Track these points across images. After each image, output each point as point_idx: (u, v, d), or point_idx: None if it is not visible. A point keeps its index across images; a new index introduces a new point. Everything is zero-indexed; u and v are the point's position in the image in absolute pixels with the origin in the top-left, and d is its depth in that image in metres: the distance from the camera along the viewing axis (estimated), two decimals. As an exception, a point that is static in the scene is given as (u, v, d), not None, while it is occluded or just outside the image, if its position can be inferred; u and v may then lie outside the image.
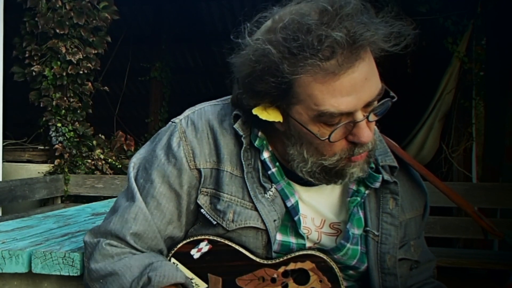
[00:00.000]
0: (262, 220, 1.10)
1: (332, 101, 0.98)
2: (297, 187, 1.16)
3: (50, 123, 4.85)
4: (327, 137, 1.02)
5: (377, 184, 1.16)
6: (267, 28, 1.03)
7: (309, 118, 1.02)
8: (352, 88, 0.97)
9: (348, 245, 1.14)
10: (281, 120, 1.07)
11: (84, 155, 4.93)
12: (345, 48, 0.95)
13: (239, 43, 1.06)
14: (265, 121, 1.08)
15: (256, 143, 1.14)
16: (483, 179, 4.79)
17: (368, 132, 1.02)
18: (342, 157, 1.05)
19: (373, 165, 1.17)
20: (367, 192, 1.18)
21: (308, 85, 0.99)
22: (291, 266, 1.12)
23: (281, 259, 1.12)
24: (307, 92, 1.00)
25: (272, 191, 1.13)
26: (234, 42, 1.07)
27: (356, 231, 1.16)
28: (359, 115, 1.01)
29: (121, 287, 1.07)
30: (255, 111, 1.07)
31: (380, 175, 1.17)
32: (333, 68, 0.95)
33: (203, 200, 1.14)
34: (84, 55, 4.79)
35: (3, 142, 4.62)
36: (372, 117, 1.04)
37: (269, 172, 1.14)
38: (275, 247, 1.12)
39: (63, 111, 4.81)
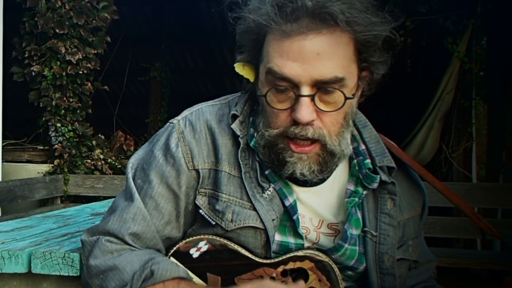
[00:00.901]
0: (261, 220, 1.10)
1: (278, 61, 1.02)
2: (295, 187, 1.16)
3: (49, 123, 4.84)
4: (264, 93, 1.06)
5: (375, 185, 1.16)
6: None
7: (264, 78, 1.07)
8: (299, 55, 1.00)
9: (346, 245, 1.13)
10: (251, 79, 1.12)
11: (83, 155, 4.93)
12: (306, 16, 0.99)
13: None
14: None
15: (252, 143, 1.14)
16: (486, 180, 4.78)
17: (307, 111, 1.02)
18: (282, 133, 1.06)
19: (370, 166, 1.17)
20: (365, 192, 1.17)
21: (269, 42, 1.05)
22: (290, 265, 1.12)
23: (280, 259, 1.12)
24: (266, 49, 1.06)
25: (270, 190, 1.13)
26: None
27: (354, 231, 1.15)
28: (304, 90, 1.02)
29: (121, 280, 1.07)
30: (236, 65, 1.13)
31: (378, 176, 1.16)
32: (288, 29, 1.00)
33: (201, 200, 1.14)
34: (84, 55, 4.78)
35: (2, 142, 4.62)
36: (319, 102, 1.03)
37: (267, 172, 1.14)
38: (273, 247, 1.12)
39: (63, 111, 4.80)
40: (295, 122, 1.04)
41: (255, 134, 1.14)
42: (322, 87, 1.02)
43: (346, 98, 1.04)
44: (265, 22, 1.03)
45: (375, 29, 1.04)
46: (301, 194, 1.16)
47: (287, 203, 1.13)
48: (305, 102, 1.02)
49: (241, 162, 1.13)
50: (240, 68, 1.14)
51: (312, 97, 1.02)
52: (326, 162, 1.09)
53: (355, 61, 1.06)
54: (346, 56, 1.03)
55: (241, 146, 1.13)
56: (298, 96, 1.02)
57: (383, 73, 1.13)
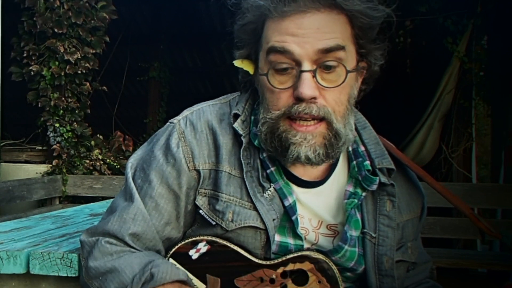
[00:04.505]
0: (262, 220, 1.10)
1: (278, 38, 1.04)
2: (295, 188, 1.16)
3: (48, 123, 4.83)
4: (265, 72, 1.06)
5: (374, 187, 1.16)
6: None
7: (264, 62, 1.08)
8: (299, 31, 1.02)
9: (346, 247, 1.13)
10: (251, 72, 1.14)
11: (82, 155, 4.92)
12: None
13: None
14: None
15: (256, 142, 1.13)
16: (490, 180, 4.76)
17: (309, 86, 1.02)
18: (284, 113, 1.05)
19: (370, 168, 1.17)
20: (364, 194, 1.17)
21: (268, 27, 1.07)
22: (290, 266, 1.11)
23: (280, 260, 1.11)
24: (265, 34, 1.08)
25: (270, 190, 1.13)
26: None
27: (354, 233, 1.15)
28: (306, 66, 1.02)
29: (121, 283, 1.05)
30: (235, 61, 1.15)
31: (377, 178, 1.16)
32: (287, 9, 1.02)
33: (201, 201, 1.13)
34: (82, 55, 4.78)
35: (1, 142, 4.62)
36: (321, 79, 1.03)
37: (268, 171, 1.14)
38: (273, 247, 1.12)
39: (61, 111, 4.80)
40: (298, 101, 1.03)
41: (255, 128, 1.13)
42: (323, 62, 1.03)
43: (347, 72, 1.04)
44: (265, 5, 1.04)
45: (372, 13, 1.05)
46: (300, 195, 1.16)
47: (286, 203, 1.13)
48: (307, 77, 1.02)
49: (243, 161, 1.12)
50: (239, 63, 1.15)
51: (313, 73, 1.02)
52: (332, 144, 1.07)
53: (353, 43, 1.07)
54: (345, 34, 1.05)
55: (244, 145, 1.13)
56: (300, 72, 1.02)
57: (381, 63, 1.13)
